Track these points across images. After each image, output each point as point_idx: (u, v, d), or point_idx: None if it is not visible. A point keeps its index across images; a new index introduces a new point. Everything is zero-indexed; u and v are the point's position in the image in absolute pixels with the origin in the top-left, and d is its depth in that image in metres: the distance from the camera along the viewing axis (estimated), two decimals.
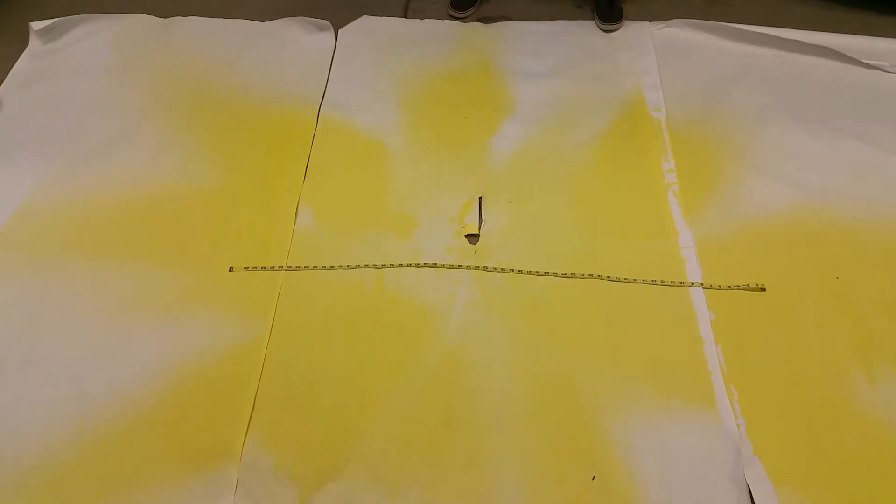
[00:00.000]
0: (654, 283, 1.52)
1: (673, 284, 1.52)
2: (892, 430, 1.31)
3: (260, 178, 1.70)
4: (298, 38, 2.05)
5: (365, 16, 2.11)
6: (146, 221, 1.61)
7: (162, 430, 1.29)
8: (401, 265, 1.54)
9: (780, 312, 1.48)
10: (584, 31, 2.09)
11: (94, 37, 2.06)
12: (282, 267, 1.53)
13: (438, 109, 1.87)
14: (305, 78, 1.93)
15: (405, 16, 2.14)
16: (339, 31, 2.05)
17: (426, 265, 1.54)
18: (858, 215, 1.63)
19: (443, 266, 1.54)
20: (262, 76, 1.94)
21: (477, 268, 1.54)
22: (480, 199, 1.67)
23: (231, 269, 1.53)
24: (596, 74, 1.97)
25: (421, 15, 2.14)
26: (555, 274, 1.53)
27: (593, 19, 2.11)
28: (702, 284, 1.52)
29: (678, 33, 2.06)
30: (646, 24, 2.09)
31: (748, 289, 1.52)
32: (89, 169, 1.71)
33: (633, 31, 2.08)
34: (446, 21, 2.13)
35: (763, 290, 1.52)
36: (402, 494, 1.23)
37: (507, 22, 2.12)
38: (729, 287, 1.52)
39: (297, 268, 1.53)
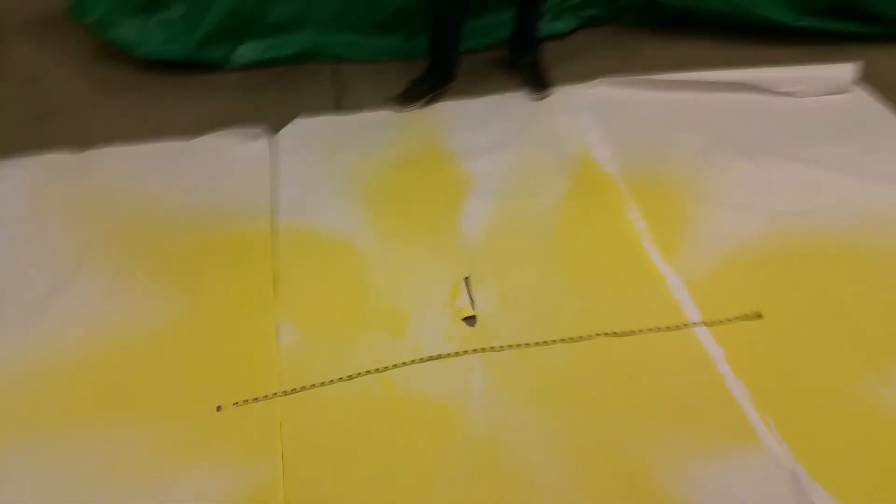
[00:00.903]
0: (658, 329, 1.54)
1: (677, 328, 1.54)
2: None
3: (226, 303, 1.59)
4: (232, 150, 1.99)
5: (299, 118, 2.10)
6: (109, 374, 1.45)
7: None
8: (404, 363, 1.47)
9: (782, 334, 1.53)
10: (518, 102, 2.18)
11: (2, 183, 1.92)
12: (276, 394, 1.42)
13: (399, 198, 1.86)
14: (249, 189, 1.87)
15: (338, 111, 2.15)
16: (278, 136, 2.02)
17: (430, 358, 1.48)
18: (819, 229, 1.74)
19: (448, 355, 1.49)
20: (202, 196, 1.85)
21: (483, 350, 1.50)
22: (467, 279, 1.65)
23: (219, 409, 1.39)
24: (541, 141, 2.04)
25: (355, 108, 2.16)
26: (562, 340, 1.52)
27: (522, 90, 2.21)
28: (703, 322, 1.56)
29: (606, 91, 2.19)
30: (574, 87, 2.21)
31: (746, 318, 1.56)
32: (28, 329, 1.54)
33: (564, 96, 2.19)
34: (382, 111, 2.15)
35: (760, 316, 1.57)
36: None
37: (442, 103, 2.18)
38: (728, 320, 1.56)
39: (294, 391, 1.42)
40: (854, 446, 1.33)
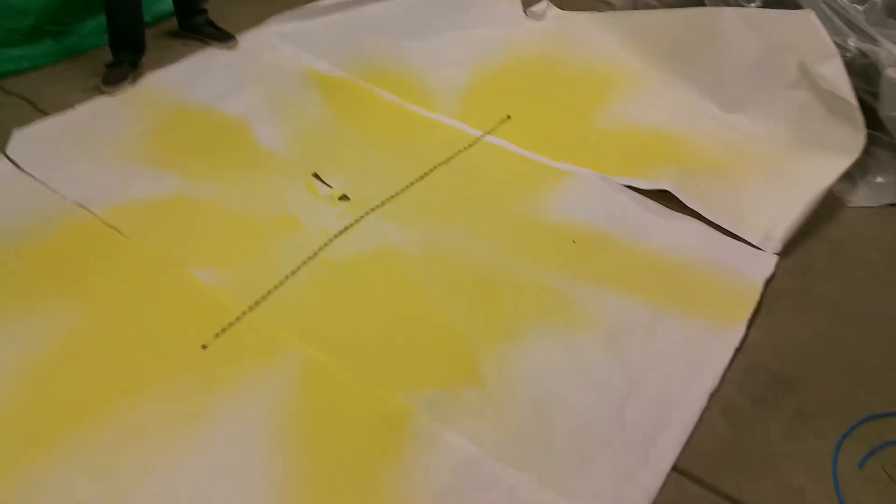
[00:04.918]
0: (465, 149, 2.13)
1: (475, 142, 2.16)
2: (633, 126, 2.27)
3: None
4: None
5: (15, 131, 1.94)
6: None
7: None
8: (326, 244, 1.73)
9: (529, 122, 2.28)
10: (221, 54, 2.43)
11: None
12: (244, 312, 1.54)
13: (192, 157, 1.99)
14: None
15: (45, 116, 2.09)
16: (7, 150, 1.89)
17: (342, 231, 1.79)
18: (501, 61, 2.57)
19: (353, 224, 1.81)
20: None
21: (373, 209, 1.86)
22: (315, 174, 1.95)
23: (205, 347, 1.46)
24: (269, 76, 2.36)
25: (59, 110, 2.12)
26: (416, 181, 1.98)
27: (211, 45, 2.48)
28: (484, 133, 2.21)
29: (283, 27, 2.59)
30: (254, 30, 2.55)
31: (503, 121, 2.27)
32: None
33: (253, 38, 2.52)
34: (101, 99, 2.15)
35: (510, 118, 2.29)
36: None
37: (150, 76, 2.28)
38: (495, 127, 2.24)
39: (257, 303, 1.56)
40: (604, 152, 2.18)
